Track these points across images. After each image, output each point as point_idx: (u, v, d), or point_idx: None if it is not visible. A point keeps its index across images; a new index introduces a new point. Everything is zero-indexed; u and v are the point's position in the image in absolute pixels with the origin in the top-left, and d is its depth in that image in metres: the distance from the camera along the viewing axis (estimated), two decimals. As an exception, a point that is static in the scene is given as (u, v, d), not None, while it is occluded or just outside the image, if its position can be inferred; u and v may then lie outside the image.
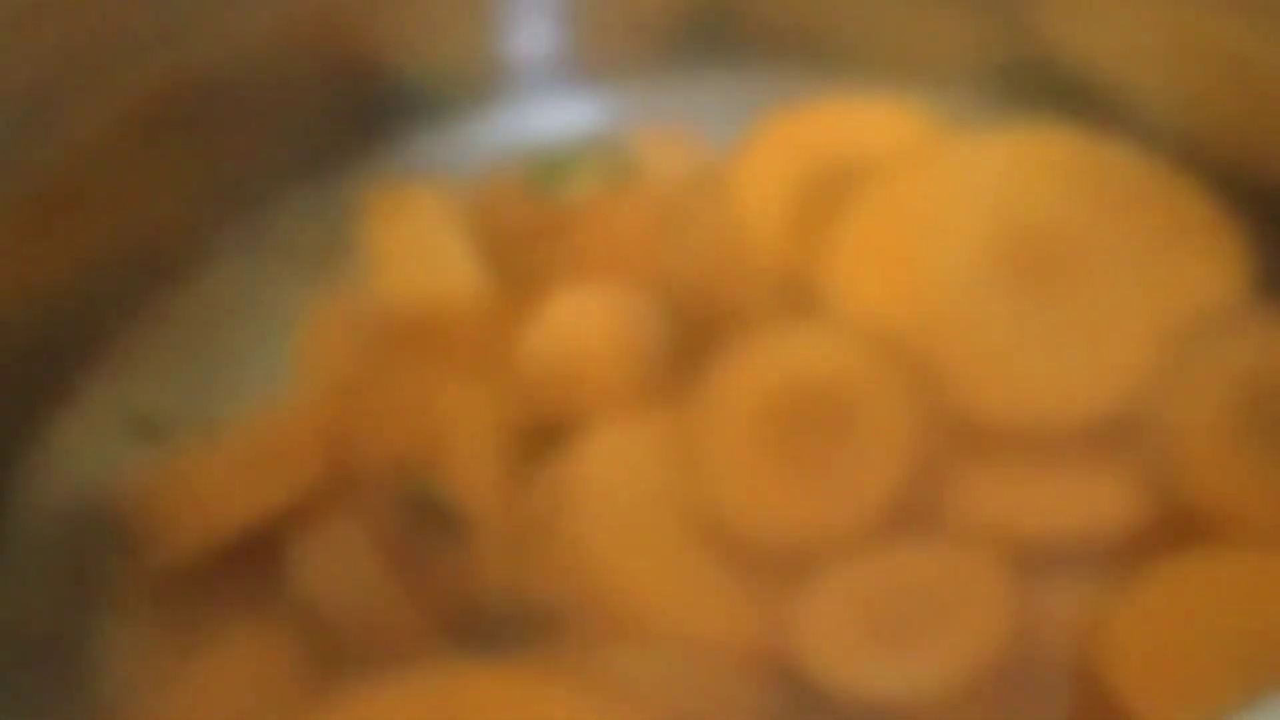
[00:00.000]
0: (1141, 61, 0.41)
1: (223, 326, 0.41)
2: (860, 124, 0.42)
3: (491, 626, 0.36)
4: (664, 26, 0.44)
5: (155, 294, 0.41)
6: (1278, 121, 0.40)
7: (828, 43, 0.44)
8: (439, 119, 0.43)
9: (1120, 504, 0.36)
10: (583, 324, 0.39)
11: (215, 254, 0.42)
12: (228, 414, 0.39)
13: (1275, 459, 0.36)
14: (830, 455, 0.37)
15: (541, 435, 0.38)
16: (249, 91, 0.41)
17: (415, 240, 0.40)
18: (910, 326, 0.38)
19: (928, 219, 0.40)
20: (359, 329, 0.39)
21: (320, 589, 0.36)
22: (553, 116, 0.44)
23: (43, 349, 0.40)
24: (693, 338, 0.39)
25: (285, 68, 0.41)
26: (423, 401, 0.38)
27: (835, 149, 0.42)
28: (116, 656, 0.36)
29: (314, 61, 0.42)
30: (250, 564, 0.36)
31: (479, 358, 0.39)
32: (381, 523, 0.36)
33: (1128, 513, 0.36)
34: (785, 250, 0.40)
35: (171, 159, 0.41)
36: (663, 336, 0.39)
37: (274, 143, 0.42)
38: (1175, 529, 0.36)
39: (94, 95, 0.39)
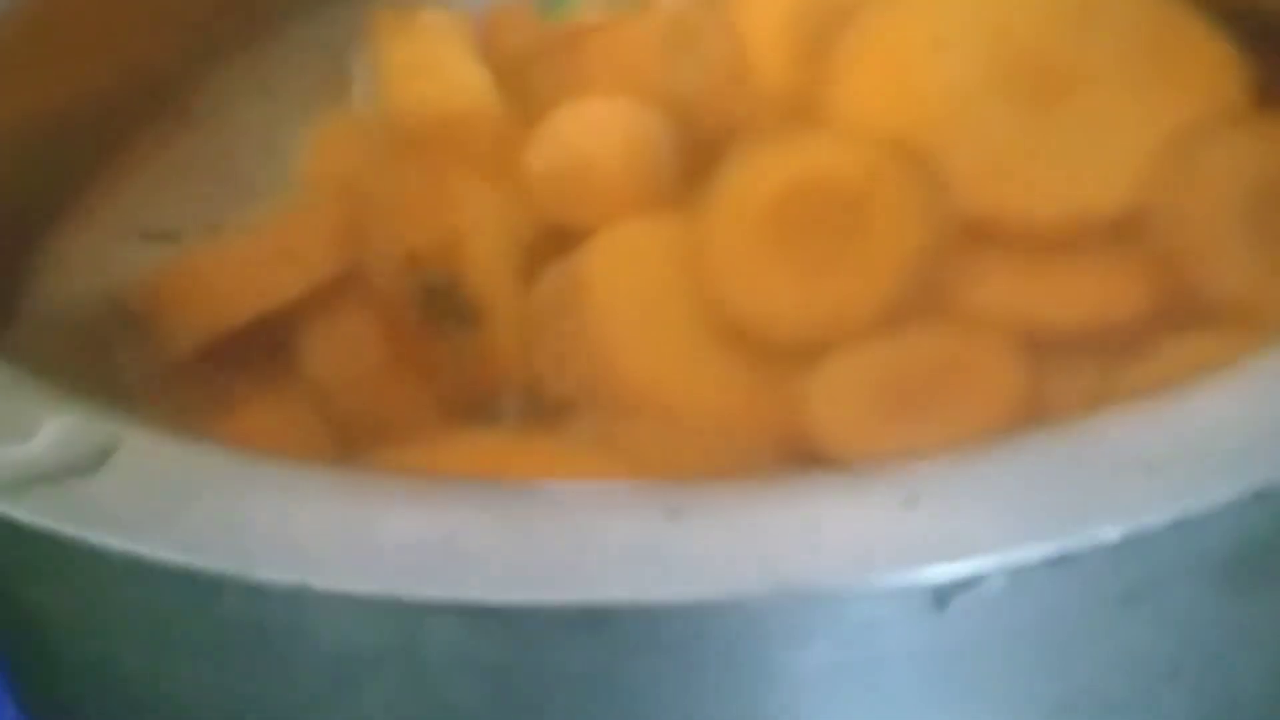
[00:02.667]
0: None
1: (233, 145, 0.41)
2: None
3: (502, 409, 0.36)
4: None
5: (166, 116, 0.41)
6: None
7: None
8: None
9: (1126, 293, 0.37)
10: (591, 133, 0.40)
11: (226, 78, 0.42)
12: (238, 222, 0.39)
13: (1271, 251, 0.37)
14: (839, 252, 0.37)
15: (551, 241, 0.39)
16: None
17: (424, 57, 0.41)
18: (916, 135, 0.39)
19: (928, 37, 0.41)
20: (369, 138, 0.40)
21: (331, 374, 0.36)
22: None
23: (53, 167, 0.40)
24: (699, 151, 0.40)
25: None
26: (434, 199, 0.38)
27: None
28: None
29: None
30: (262, 353, 0.37)
31: (489, 165, 0.39)
32: (393, 312, 0.37)
33: (1133, 301, 0.36)
34: (790, 68, 0.41)
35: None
36: (669, 148, 0.40)
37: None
38: (1179, 316, 0.36)
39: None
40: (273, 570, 0.21)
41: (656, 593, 0.21)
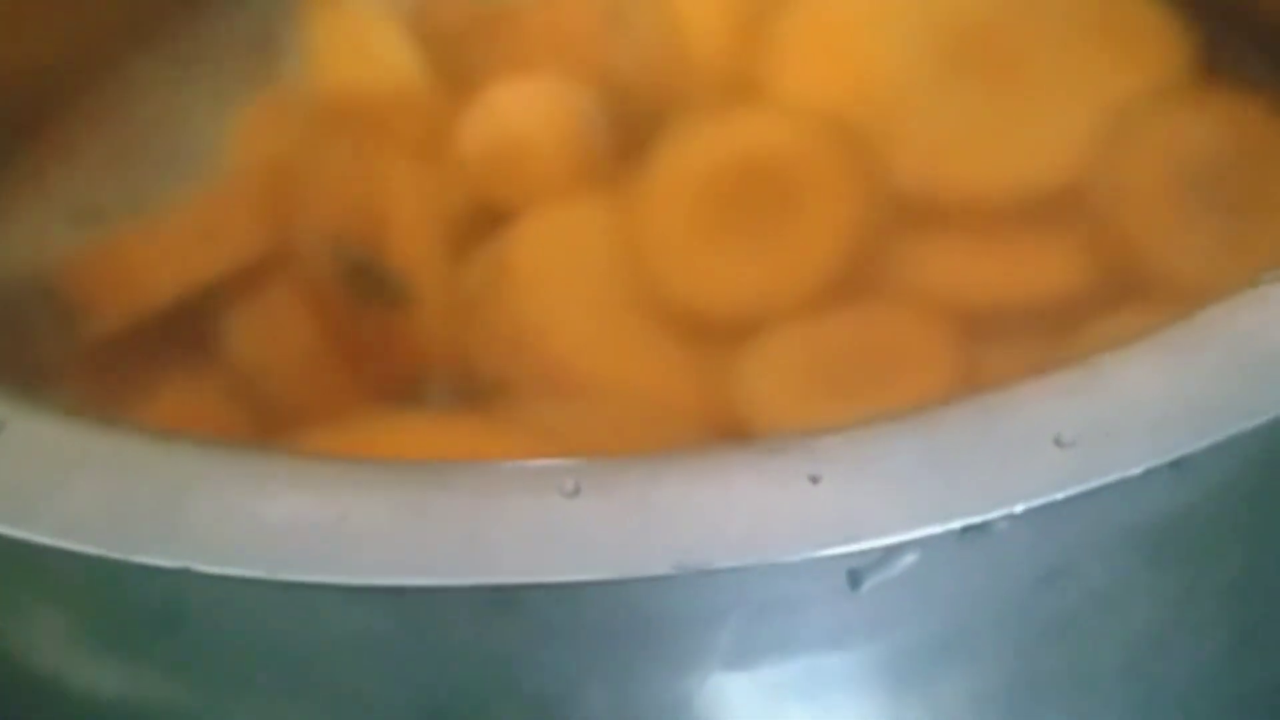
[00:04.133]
0: None
1: (160, 124, 0.40)
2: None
3: (430, 392, 0.36)
4: None
5: (92, 96, 0.41)
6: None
7: None
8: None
9: (1064, 270, 0.36)
10: (523, 111, 0.39)
11: (154, 56, 0.41)
12: (164, 202, 0.39)
13: (1211, 224, 0.36)
14: (773, 230, 0.37)
15: (482, 220, 0.38)
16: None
17: (352, 31, 0.40)
18: (855, 111, 0.38)
19: (868, 14, 0.40)
20: (295, 114, 0.39)
21: (255, 355, 0.35)
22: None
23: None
24: (634, 129, 0.39)
25: None
26: (361, 178, 0.37)
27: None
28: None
29: None
30: (185, 334, 0.36)
31: (419, 142, 0.39)
32: (318, 293, 0.36)
33: (1073, 277, 0.36)
34: (728, 45, 0.40)
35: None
36: (604, 127, 0.39)
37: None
38: (1120, 292, 0.36)
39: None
40: (155, 553, 0.20)
41: (553, 573, 0.20)
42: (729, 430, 0.35)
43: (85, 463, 0.21)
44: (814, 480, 0.21)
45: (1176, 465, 0.21)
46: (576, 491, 0.21)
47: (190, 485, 0.21)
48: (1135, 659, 0.27)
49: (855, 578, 0.22)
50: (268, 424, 0.34)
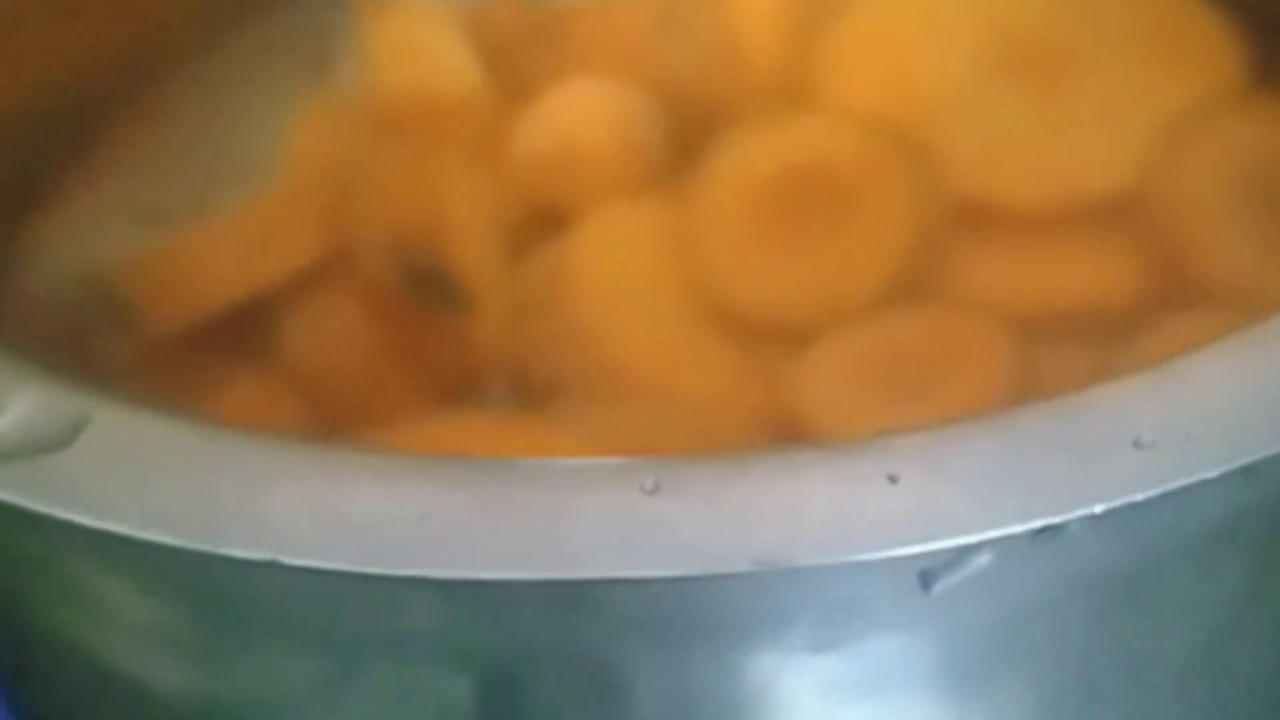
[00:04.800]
0: None
1: (220, 127, 0.40)
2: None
3: (488, 394, 0.36)
4: None
5: (152, 99, 0.41)
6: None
7: None
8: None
9: (1118, 276, 0.36)
10: (579, 115, 0.39)
11: (213, 59, 0.41)
12: (224, 204, 0.39)
13: (1265, 231, 0.37)
14: (829, 235, 0.37)
15: (538, 224, 0.38)
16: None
17: (411, 38, 0.40)
18: (909, 118, 0.39)
19: (922, 21, 0.40)
20: (353, 118, 0.39)
21: (316, 358, 0.36)
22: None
23: (38, 149, 0.40)
24: (689, 133, 0.39)
25: None
26: (420, 182, 0.38)
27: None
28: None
29: None
30: (246, 337, 0.36)
31: (475, 146, 0.39)
32: (378, 296, 0.36)
33: (1129, 284, 0.36)
34: (783, 50, 0.40)
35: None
36: (659, 131, 0.40)
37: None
38: (1174, 298, 0.36)
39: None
40: (242, 545, 0.20)
41: (634, 569, 0.21)
42: (785, 434, 0.35)
43: (171, 456, 0.21)
44: (892, 480, 0.21)
45: (1249, 468, 0.21)
46: (656, 489, 0.21)
47: (275, 479, 0.21)
48: (1197, 662, 0.27)
49: (927, 578, 0.23)
50: (328, 425, 0.34)
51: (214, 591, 0.22)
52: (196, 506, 0.21)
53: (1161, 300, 0.36)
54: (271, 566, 0.20)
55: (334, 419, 0.35)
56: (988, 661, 0.26)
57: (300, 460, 0.21)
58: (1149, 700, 0.28)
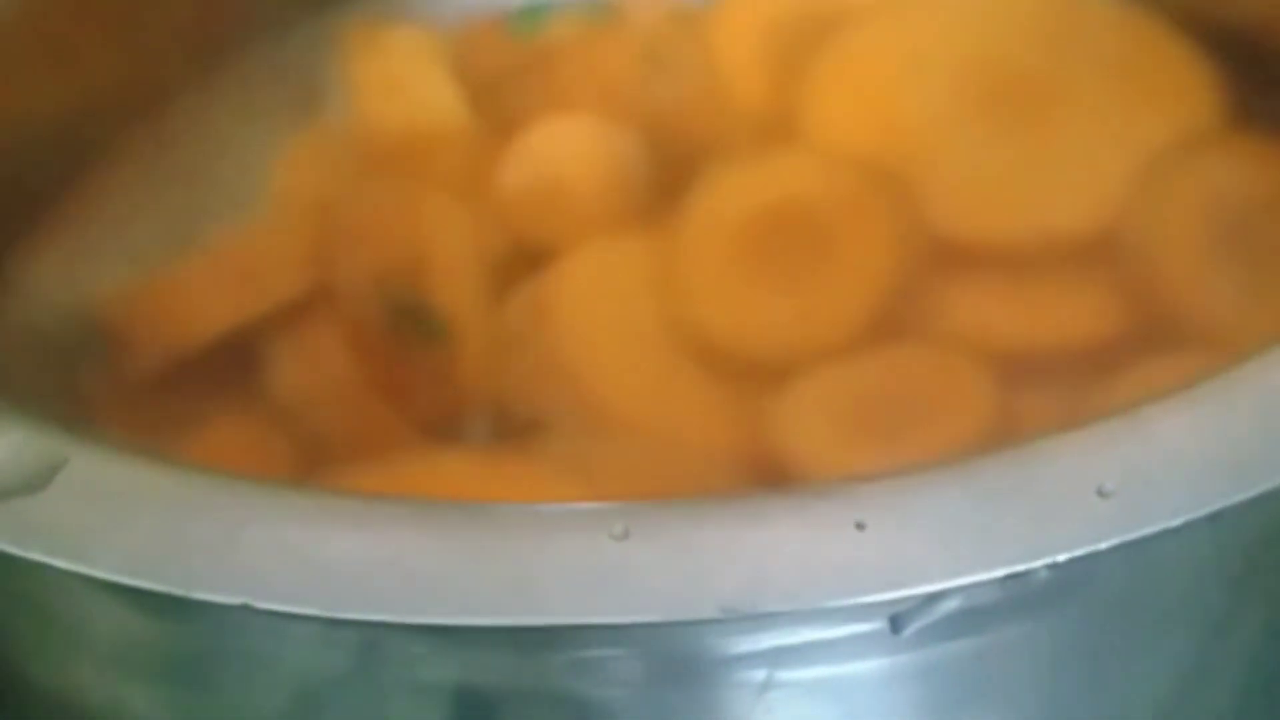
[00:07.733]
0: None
1: (205, 162, 0.41)
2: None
3: (470, 428, 0.36)
4: None
5: (138, 134, 0.41)
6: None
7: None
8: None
9: (1097, 316, 0.36)
10: (563, 151, 0.39)
11: (199, 94, 0.42)
12: (208, 239, 0.39)
13: (1244, 273, 0.37)
14: (810, 272, 0.37)
15: (521, 259, 0.39)
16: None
17: (396, 73, 0.41)
18: (890, 156, 0.39)
19: (903, 59, 0.41)
20: (339, 155, 0.40)
21: (298, 393, 0.36)
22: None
23: (24, 183, 0.40)
24: (672, 171, 0.40)
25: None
26: (404, 217, 0.38)
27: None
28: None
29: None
30: (229, 372, 0.36)
31: (459, 181, 0.39)
32: (361, 331, 0.37)
33: (1106, 323, 0.36)
34: (765, 87, 0.41)
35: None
36: (642, 167, 0.40)
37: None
38: (1152, 338, 0.36)
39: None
40: (215, 589, 0.21)
41: (602, 615, 0.21)
42: (764, 470, 0.35)
43: (146, 499, 0.22)
44: (859, 527, 0.21)
45: (1214, 517, 0.22)
46: (625, 535, 0.21)
47: (248, 523, 0.21)
48: (1168, 698, 0.27)
49: (897, 622, 0.23)
50: (311, 459, 0.35)
51: (188, 629, 0.23)
52: (170, 550, 0.21)
53: (1139, 340, 0.36)
54: (244, 609, 0.20)
55: (315, 455, 0.35)
56: (960, 698, 0.26)
57: (273, 503, 0.21)
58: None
